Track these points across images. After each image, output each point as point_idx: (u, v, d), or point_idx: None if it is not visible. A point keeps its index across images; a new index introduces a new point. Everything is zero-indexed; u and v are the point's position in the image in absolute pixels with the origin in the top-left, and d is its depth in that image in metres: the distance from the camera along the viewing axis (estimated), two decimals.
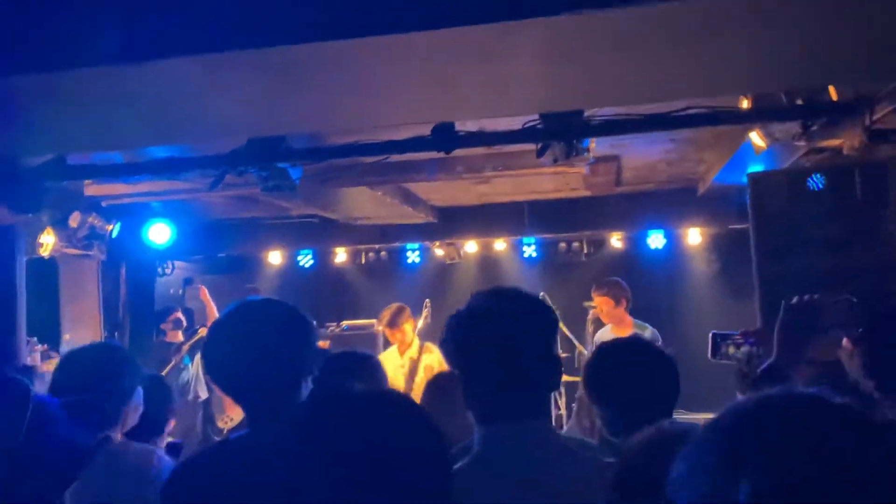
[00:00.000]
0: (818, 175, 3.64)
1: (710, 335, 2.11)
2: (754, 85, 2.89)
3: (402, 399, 1.29)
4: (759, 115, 3.00)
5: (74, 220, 5.57)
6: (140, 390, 2.28)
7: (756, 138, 3.34)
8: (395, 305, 5.49)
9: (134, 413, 2.23)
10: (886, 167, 3.64)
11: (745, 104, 3.09)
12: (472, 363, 1.53)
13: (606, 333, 5.35)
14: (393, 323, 5.38)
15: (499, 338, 1.51)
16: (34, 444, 1.46)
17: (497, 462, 1.50)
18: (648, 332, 5.27)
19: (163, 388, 2.76)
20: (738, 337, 2.13)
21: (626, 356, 2.13)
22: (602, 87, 2.87)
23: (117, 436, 2.15)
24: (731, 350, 2.14)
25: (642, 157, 5.05)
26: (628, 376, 2.03)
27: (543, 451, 1.53)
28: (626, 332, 5.27)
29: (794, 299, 1.92)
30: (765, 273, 3.73)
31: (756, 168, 4.66)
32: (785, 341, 1.89)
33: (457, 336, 1.56)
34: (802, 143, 3.13)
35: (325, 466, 1.11)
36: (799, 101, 2.83)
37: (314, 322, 1.79)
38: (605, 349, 2.21)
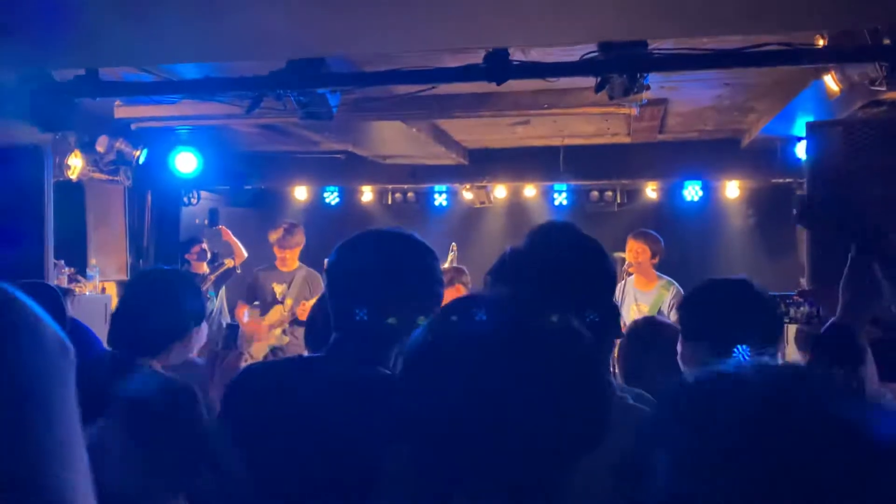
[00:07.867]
0: None
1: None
2: (836, 21, 2.67)
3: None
4: (840, 55, 2.78)
5: (101, 144, 5.46)
6: (198, 332, 2.14)
7: (830, 82, 3.12)
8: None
9: (180, 351, 2.10)
10: None
11: (820, 42, 2.87)
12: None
13: (630, 286, 5.15)
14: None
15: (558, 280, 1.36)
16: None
17: None
18: (674, 289, 5.00)
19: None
20: (796, 297, 2.06)
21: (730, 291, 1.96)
22: (667, 13, 2.68)
23: (157, 366, 2.03)
24: (792, 312, 2.07)
25: (692, 102, 4.83)
26: (730, 310, 1.87)
27: None
28: (650, 287, 5.10)
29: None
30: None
31: (809, 118, 4.45)
32: (850, 298, 1.74)
33: (512, 267, 1.43)
34: (882, 89, 2.92)
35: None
36: (886, 41, 2.61)
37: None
38: (708, 285, 2.04)
